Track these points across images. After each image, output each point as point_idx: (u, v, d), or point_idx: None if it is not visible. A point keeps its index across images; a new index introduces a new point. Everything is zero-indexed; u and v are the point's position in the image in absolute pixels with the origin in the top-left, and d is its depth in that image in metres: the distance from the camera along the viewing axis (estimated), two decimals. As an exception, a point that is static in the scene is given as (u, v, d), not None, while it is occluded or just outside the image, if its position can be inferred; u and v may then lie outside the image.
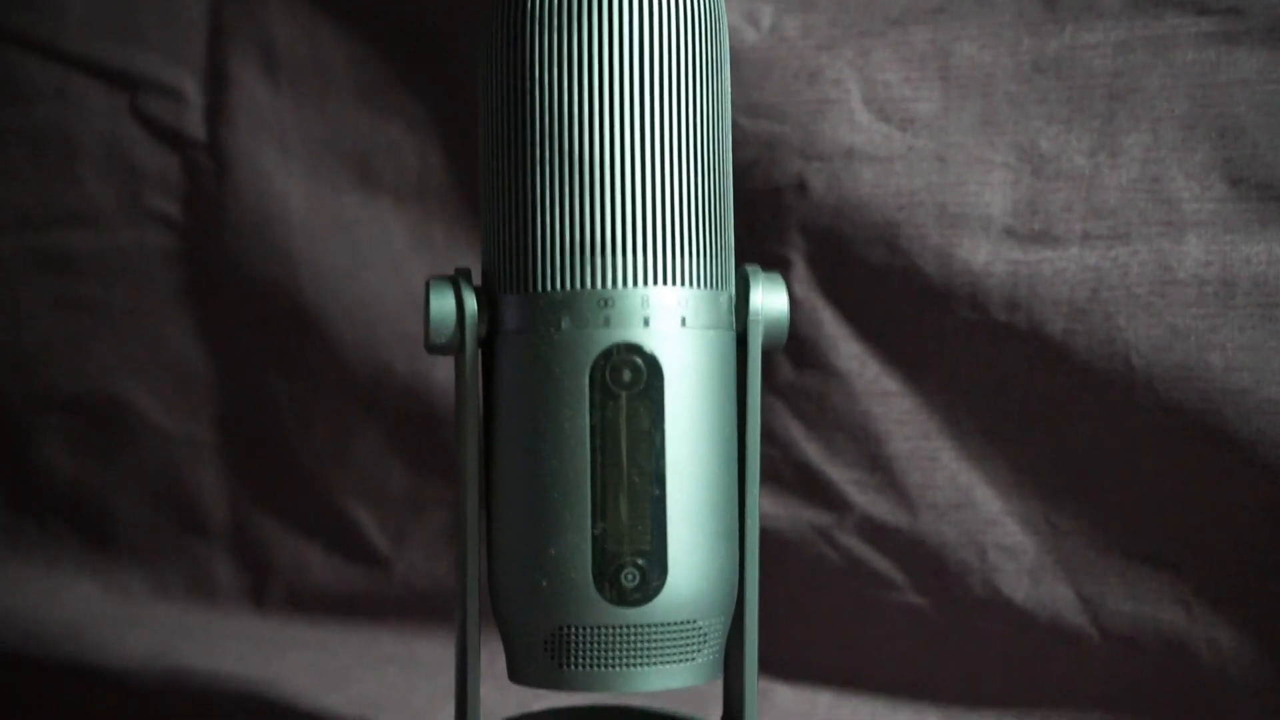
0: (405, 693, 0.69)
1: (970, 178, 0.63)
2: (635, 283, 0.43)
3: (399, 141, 0.74)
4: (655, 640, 0.44)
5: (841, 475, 0.67)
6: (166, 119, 0.77)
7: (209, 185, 0.76)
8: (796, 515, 0.67)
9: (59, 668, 0.72)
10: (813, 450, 0.67)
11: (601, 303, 0.43)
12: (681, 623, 0.44)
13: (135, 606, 0.78)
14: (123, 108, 0.77)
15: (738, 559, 0.46)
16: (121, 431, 0.79)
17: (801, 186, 0.65)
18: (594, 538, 0.43)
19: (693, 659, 0.44)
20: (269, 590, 0.78)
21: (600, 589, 0.43)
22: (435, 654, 0.71)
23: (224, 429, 0.78)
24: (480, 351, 0.45)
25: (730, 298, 0.46)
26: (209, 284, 0.77)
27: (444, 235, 0.74)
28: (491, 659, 0.48)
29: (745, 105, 0.65)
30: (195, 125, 0.76)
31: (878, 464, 0.66)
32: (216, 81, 0.76)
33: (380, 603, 0.76)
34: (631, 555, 0.43)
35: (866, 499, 0.66)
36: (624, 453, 0.43)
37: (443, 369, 0.72)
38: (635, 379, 0.43)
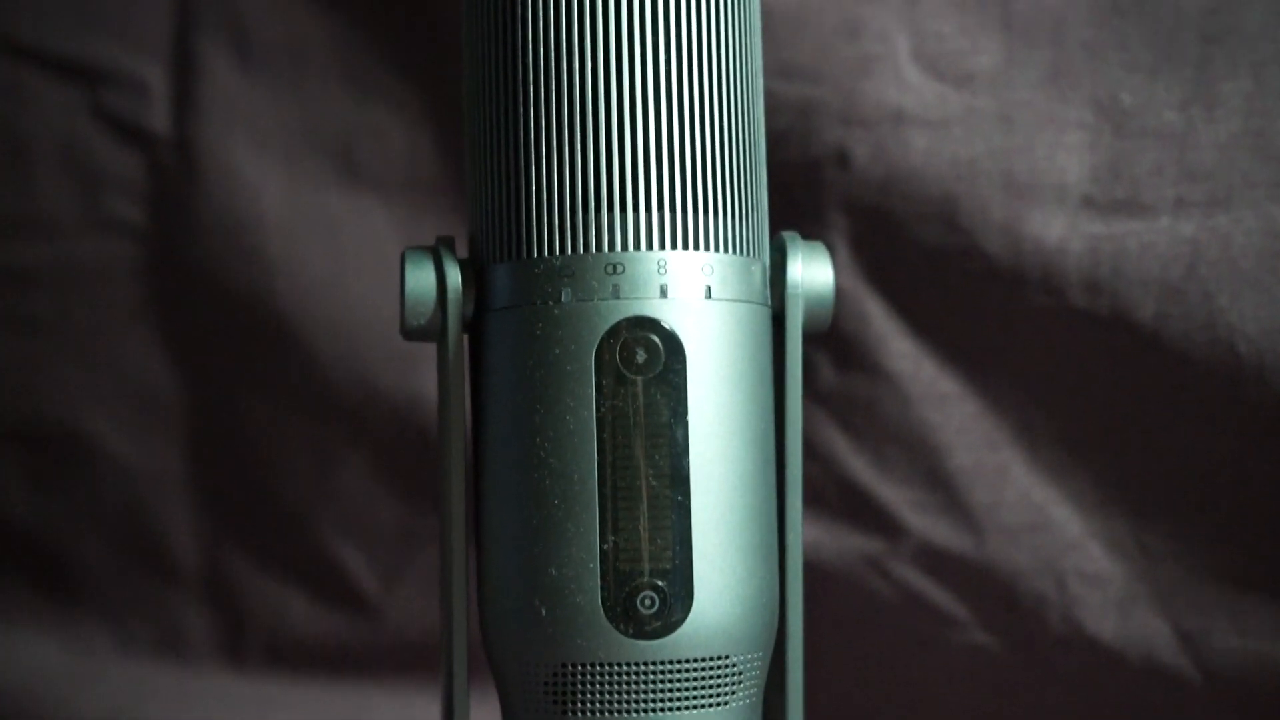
0: (395, 755, 0.69)
1: (1040, 140, 0.62)
2: (650, 245, 0.40)
3: (384, 126, 0.72)
4: (679, 680, 0.41)
5: (895, 495, 0.65)
6: (129, 113, 0.75)
7: (176, 186, 0.74)
8: (843, 543, 0.66)
9: (12, 732, 0.72)
10: (860, 466, 0.65)
11: (610, 269, 0.40)
12: (711, 659, 0.41)
13: (98, 663, 0.76)
14: (80, 103, 0.75)
15: (777, 581, 0.43)
16: (81, 465, 0.77)
17: (843, 158, 0.64)
18: (603, 554, 0.40)
19: (725, 703, 0.41)
20: (246, 643, 0.76)
21: (612, 618, 0.40)
22: (431, 712, 0.68)
23: (194, 460, 0.76)
24: (468, 337, 0.43)
25: (764, 269, 0.43)
26: (176, 297, 0.75)
27: (436, 232, 0.70)
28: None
29: (776, 65, 0.63)
30: (160, 119, 0.75)
31: (937, 480, 0.65)
32: (183, 69, 0.74)
33: (370, 655, 0.74)
34: (649, 576, 0.40)
35: (925, 522, 0.65)
36: (639, 450, 0.40)
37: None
38: (651, 360, 0.40)
